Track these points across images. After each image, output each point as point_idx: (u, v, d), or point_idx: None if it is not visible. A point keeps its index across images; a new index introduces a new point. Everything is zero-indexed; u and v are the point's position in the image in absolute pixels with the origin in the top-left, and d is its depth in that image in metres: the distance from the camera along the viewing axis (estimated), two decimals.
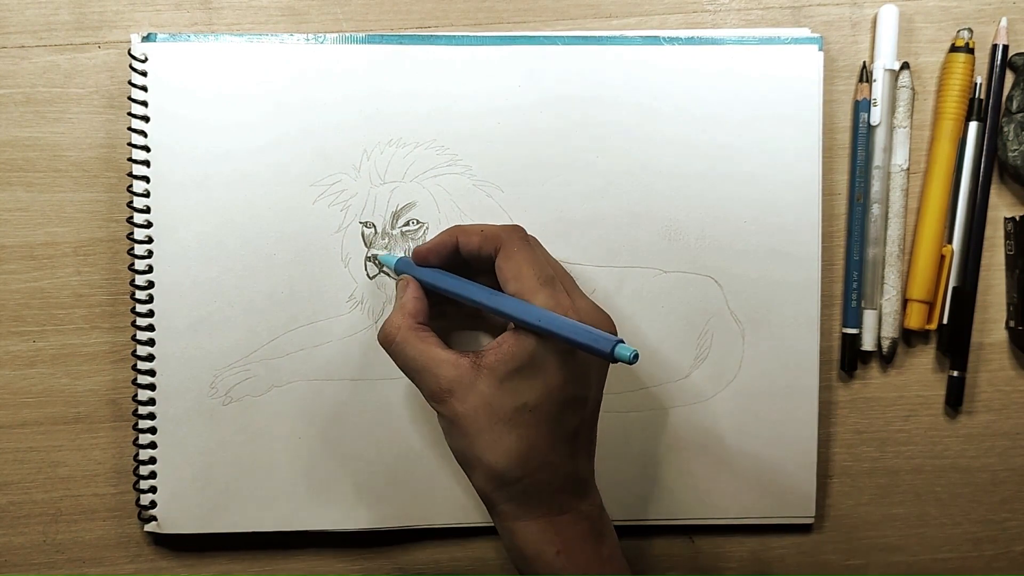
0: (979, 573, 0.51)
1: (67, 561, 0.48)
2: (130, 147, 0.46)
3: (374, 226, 0.46)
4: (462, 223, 0.46)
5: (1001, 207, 0.50)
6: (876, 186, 0.49)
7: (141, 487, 0.47)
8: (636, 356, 0.34)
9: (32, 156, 0.47)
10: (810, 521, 0.49)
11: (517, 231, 0.41)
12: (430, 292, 0.42)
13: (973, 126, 0.49)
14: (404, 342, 0.40)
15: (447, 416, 0.38)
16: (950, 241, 0.49)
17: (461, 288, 0.40)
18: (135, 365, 0.46)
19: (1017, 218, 0.49)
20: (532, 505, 0.38)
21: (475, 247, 0.40)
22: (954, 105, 0.48)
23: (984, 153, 0.49)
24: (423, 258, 0.42)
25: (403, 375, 0.47)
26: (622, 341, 0.35)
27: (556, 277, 0.39)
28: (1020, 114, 0.48)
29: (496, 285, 0.40)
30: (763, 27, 0.49)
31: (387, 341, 0.40)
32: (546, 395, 0.37)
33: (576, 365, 0.38)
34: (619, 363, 0.34)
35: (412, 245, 0.47)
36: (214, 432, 0.46)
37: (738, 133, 0.47)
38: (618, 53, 0.47)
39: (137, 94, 0.46)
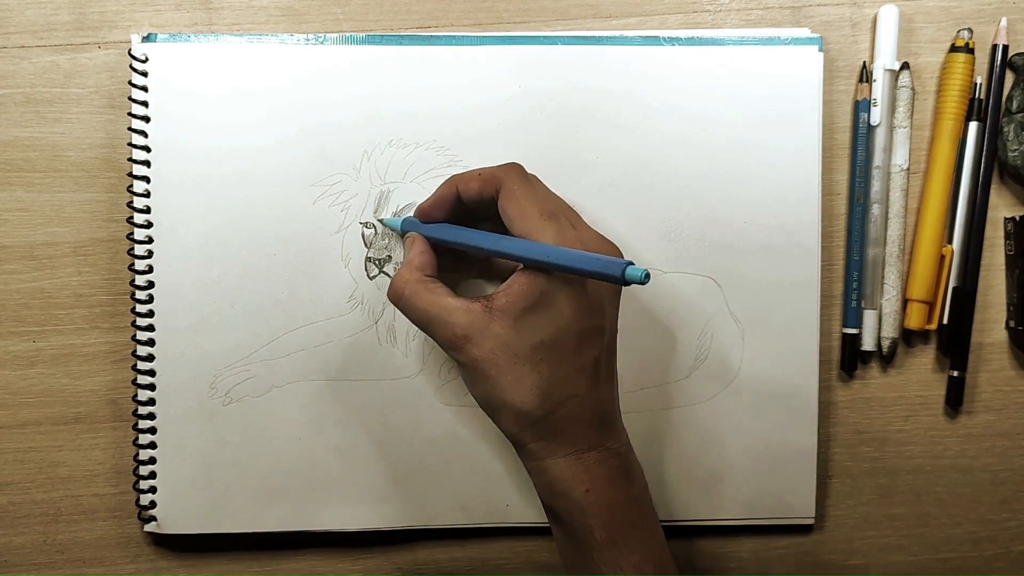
0: (979, 573, 0.51)
1: (67, 561, 0.48)
2: (130, 147, 0.46)
3: (374, 226, 0.46)
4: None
5: (1001, 207, 0.50)
6: (876, 186, 0.49)
7: (141, 487, 0.47)
8: (647, 276, 0.33)
9: (32, 156, 0.47)
10: (810, 521, 0.49)
11: (515, 168, 0.40)
12: (438, 247, 0.42)
13: (973, 126, 0.49)
14: (413, 295, 0.39)
15: (465, 363, 0.38)
16: (950, 241, 0.49)
17: (466, 238, 0.40)
18: (135, 365, 0.46)
19: (1017, 218, 0.49)
20: (560, 442, 0.38)
21: (476, 192, 0.40)
22: (954, 105, 0.48)
23: (984, 153, 0.49)
24: (426, 214, 0.42)
25: (404, 375, 0.47)
26: (631, 263, 0.34)
27: (559, 211, 0.39)
28: (1020, 114, 0.48)
29: (501, 228, 0.40)
30: (763, 27, 0.49)
31: (396, 296, 0.40)
32: (562, 329, 0.37)
33: (588, 297, 0.38)
34: (632, 284, 0.34)
35: None
36: (214, 432, 0.46)
37: (738, 133, 0.47)
38: (618, 53, 0.47)
39: (137, 94, 0.46)
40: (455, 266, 0.41)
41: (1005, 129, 0.48)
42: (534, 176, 0.42)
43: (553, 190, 0.42)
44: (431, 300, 0.39)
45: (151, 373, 0.46)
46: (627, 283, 0.34)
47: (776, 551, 0.50)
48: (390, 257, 0.47)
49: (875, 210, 0.49)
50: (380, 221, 0.46)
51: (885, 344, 0.49)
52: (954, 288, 0.49)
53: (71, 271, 0.48)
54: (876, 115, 0.48)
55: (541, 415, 0.38)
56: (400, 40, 0.47)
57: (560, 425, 0.38)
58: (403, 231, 0.44)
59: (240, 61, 0.46)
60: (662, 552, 0.40)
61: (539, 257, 0.37)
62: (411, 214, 0.46)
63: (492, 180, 0.40)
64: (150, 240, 0.46)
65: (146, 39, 0.46)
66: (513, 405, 0.38)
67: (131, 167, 0.46)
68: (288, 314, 0.46)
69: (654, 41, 0.47)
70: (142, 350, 0.46)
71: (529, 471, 0.40)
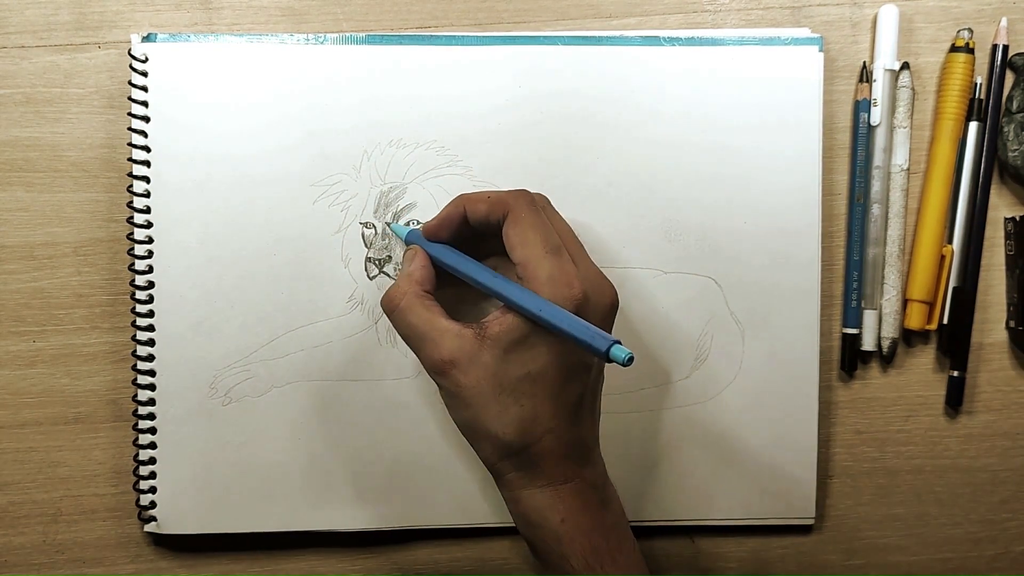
0: (979, 573, 0.51)
1: (67, 561, 0.48)
2: (130, 147, 0.46)
3: (374, 227, 0.46)
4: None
5: (1001, 207, 0.50)
6: (876, 186, 0.49)
7: (141, 487, 0.47)
8: (631, 359, 0.34)
9: (32, 156, 0.47)
10: (810, 521, 0.49)
11: (524, 196, 0.40)
12: (438, 264, 0.42)
13: (973, 126, 0.49)
14: (408, 309, 0.39)
15: (449, 388, 0.38)
16: (950, 241, 0.49)
17: (465, 267, 0.40)
18: (135, 365, 0.46)
19: (1017, 218, 0.49)
20: (537, 474, 0.39)
21: (482, 215, 0.40)
22: (954, 105, 0.48)
23: (984, 153, 0.49)
24: (433, 233, 0.41)
25: (404, 375, 0.47)
26: (618, 342, 0.35)
27: (563, 244, 0.39)
28: (1020, 114, 0.48)
29: (505, 251, 0.40)
30: (763, 27, 0.49)
31: (390, 307, 0.40)
32: (549, 364, 0.37)
33: None
34: (613, 363, 0.35)
35: None
36: (214, 432, 0.46)
37: (738, 133, 0.47)
38: (618, 53, 0.47)
39: (137, 94, 0.46)
40: (454, 282, 0.41)
41: (1005, 129, 0.48)
42: (544, 202, 0.41)
43: (552, 194, 0.42)
44: (425, 317, 0.39)
45: (151, 373, 0.46)
46: (609, 360, 0.35)
47: (776, 551, 0.50)
48: (390, 257, 0.47)
49: (875, 210, 0.49)
50: (387, 224, 0.46)
51: (885, 344, 0.49)
52: (954, 288, 0.49)
53: (71, 271, 0.48)
54: (876, 115, 0.48)
55: (520, 447, 0.38)
56: (400, 40, 0.47)
57: (538, 457, 0.38)
58: (407, 242, 0.44)
59: (240, 61, 0.46)
60: None
61: (531, 309, 0.37)
62: (412, 217, 0.46)
63: (500, 205, 0.39)
64: (150, 240, 0.46)
65: (146, 39, 0.46)
66: (495, 436, 0.38)
67: (131, 167, 0.46)
68: (288, 314, 0.46)
69: (654, 41, 0.47)
70: (142, 350, 0.46)
71: (506, 500, 0.40)
